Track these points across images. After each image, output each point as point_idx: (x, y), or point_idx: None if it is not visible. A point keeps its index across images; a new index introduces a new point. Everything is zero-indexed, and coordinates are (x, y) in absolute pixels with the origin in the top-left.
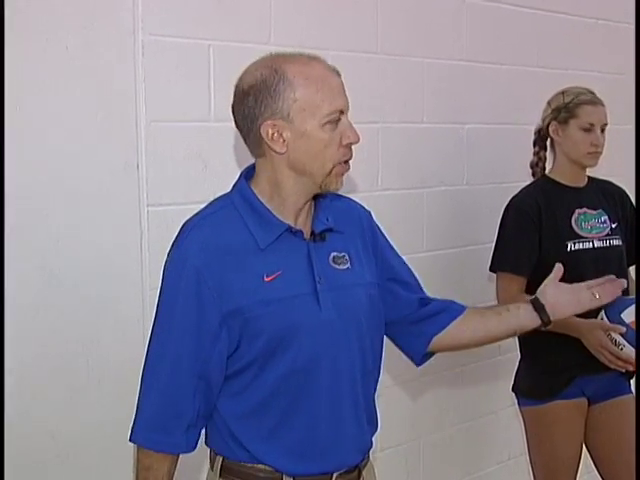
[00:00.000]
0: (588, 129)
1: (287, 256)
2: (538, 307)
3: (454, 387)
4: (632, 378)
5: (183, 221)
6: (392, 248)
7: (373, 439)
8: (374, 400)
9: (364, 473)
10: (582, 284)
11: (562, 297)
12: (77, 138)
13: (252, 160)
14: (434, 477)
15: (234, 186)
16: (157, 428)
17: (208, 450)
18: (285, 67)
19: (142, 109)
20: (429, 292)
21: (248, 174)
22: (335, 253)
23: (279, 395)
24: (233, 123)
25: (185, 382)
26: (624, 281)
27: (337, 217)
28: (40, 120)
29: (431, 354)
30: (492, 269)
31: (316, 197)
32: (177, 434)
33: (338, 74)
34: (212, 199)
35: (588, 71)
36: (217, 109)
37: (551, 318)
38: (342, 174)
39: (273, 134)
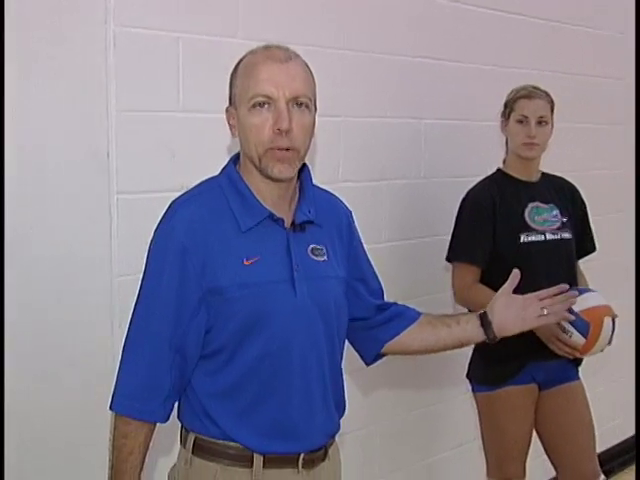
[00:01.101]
0: (521, 121)
1: (267, 242)
2: (485, 324)
3: (408, 374)
4: (579, 365)
5: (151, 209)
6: (365, 251)
7: (340, 422)
8: (342, 386)
9: (330, 452)
10: (533, 295)
11: (510, 314)
12: (48, 127)
13: (218, 149)
14: (389, 462)
15: (223, 169)
16: (137, 397)
17: (180, 427)
18: (243, 58)
19: (112, 99)
20: (388, 281)
21: (237, 158)
22: (314, 245)
23: (252, 377)
24: (200, 114)
25: (164, 354)
26: (576, 293)
27: (319, 210)
28: (10, 109)
29: (382, 355)
30: (448, 259)
31: (302, 188)
32: (156, 404)
33: (287, 62)
34: (179, 187)
35: (544, 71)
36: (185, 100)
37: (497, 335)
38: (278, 160)
39: (229, 120)
